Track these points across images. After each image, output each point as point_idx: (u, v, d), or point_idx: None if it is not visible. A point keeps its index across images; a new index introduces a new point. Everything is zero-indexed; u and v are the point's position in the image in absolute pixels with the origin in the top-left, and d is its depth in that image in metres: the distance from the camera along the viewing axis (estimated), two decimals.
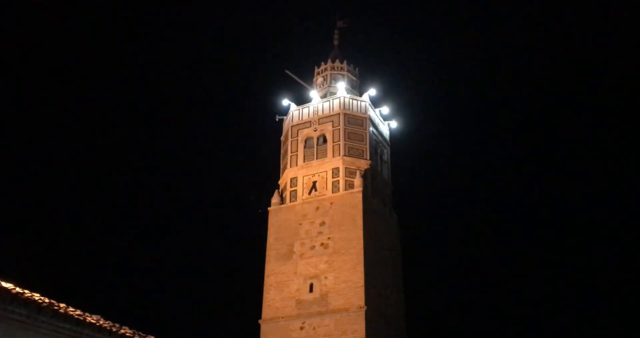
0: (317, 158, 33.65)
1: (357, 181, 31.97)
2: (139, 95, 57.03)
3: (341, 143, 33.40)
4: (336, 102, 34.92)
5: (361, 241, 30.30)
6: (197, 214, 54.45)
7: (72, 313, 14.58)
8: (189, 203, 53.67)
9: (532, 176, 53.72)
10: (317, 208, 31.97)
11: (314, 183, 32.91)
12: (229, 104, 57.86)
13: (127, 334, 15.64)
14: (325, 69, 37.96)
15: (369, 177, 32.74)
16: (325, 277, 30.12)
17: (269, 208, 33.48)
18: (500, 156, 55.18)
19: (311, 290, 30.21)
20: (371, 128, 34.46)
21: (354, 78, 38.18)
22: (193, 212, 54.15)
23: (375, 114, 35.76)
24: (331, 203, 31.81)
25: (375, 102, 36.29)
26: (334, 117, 34.29)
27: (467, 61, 58.39)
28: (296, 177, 33.67)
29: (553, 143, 54.52)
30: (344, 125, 33.87)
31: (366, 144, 33.69)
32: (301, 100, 36.50)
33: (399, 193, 35.77)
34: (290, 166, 34.08)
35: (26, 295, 13.90)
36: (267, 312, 30.86)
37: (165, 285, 48.61)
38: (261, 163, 40.60)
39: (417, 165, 48.53)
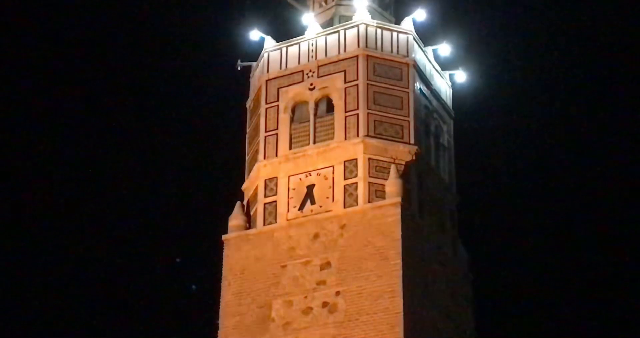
0: (315, 142, 24.22)
1: (393, 185, 22.81)
2: None
3: (361, 112, 23.85)
4: (351, 34, 24.93)
5: (399, 298, 21.40)
6: (95, 241, 38.27)
7: None
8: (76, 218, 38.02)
9: None
10: (316, 237, 23.14)
11: (310, 188, 23.93)
12: (157, 38, 40.59)
13: None
14: None
15: (414, 178, 23.69)
16: None
17: (224, 237, 23.96)
18: None
19: None
20: (418, 84, 24.90)
21: None
22: (89, 237, 38.07)
23: (426, 57, 25.94)
24: (342, 227, 22.93)
25: (425, 36, 26.06)
26: (348, 63, 24.61)
27: None
28: (276, 177, 24.30)
29: None
30: (367, 78, 24.16)
31: (409, 116, 24.08)
32: (285, 32, 26.62)
33: (471, 209, 26.50)
34: (265, 157, 24.43)
35: None
36: None
37: None
38: (210, 151, 32.19)
39: (506, 155, 34.95)
